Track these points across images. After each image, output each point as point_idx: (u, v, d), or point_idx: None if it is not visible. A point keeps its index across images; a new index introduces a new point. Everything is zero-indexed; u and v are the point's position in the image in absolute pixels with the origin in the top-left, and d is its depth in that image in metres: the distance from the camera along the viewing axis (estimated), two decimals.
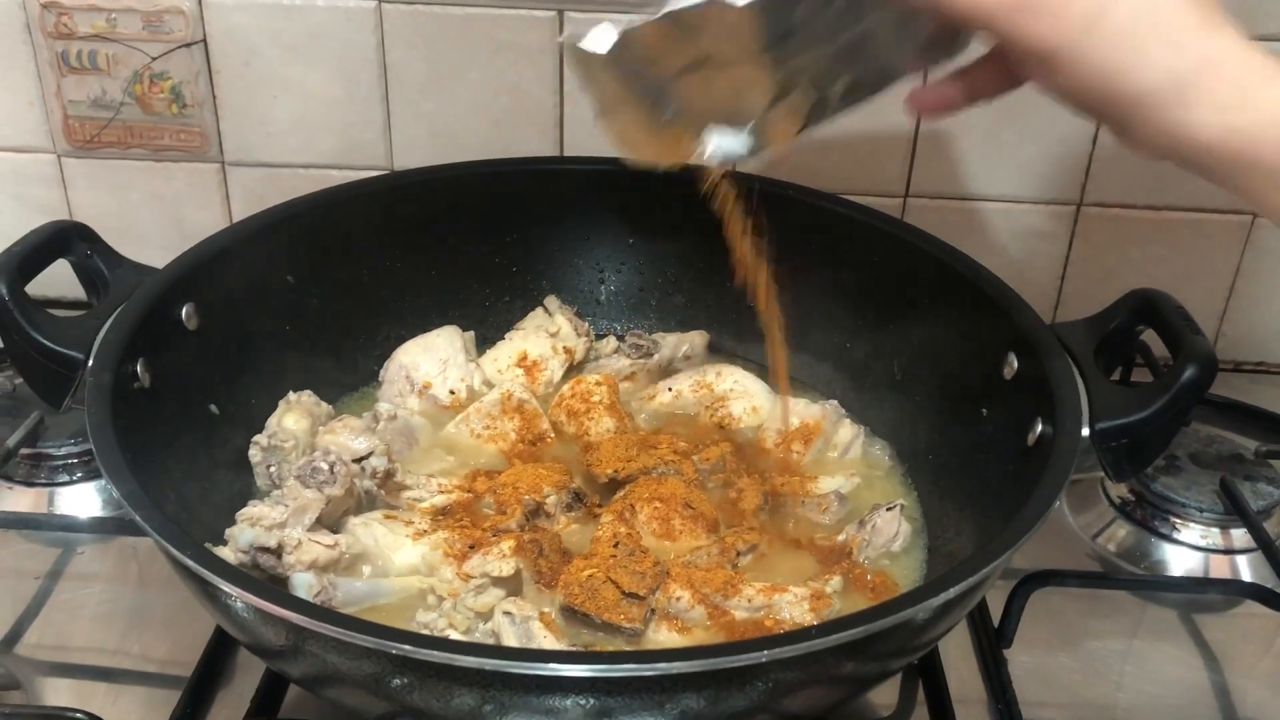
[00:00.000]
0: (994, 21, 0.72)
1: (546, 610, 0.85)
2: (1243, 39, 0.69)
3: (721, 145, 0.90)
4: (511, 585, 0.87)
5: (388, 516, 0.95)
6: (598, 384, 1.11)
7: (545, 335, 1.18)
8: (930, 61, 0.84)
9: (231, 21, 1.25)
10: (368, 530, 0.93)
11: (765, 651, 0.65)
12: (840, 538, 0.97)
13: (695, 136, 0.90)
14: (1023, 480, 0.83)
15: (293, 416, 1.02)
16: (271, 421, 1.02)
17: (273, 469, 0.99)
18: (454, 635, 0.81)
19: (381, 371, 1.14)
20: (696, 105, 0.87)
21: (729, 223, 0.98)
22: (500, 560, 0.86)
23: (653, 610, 0.86)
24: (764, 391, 1.13)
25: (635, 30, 0.82)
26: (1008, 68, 0.77)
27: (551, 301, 1.21)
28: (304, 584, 0.85)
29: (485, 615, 0.84)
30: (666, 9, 0.80)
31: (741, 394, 1.13)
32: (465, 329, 1.18)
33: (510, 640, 0.81)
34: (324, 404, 1.06)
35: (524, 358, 1.16)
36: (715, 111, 0.88)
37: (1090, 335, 0.94)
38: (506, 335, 1.20)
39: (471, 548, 0.90)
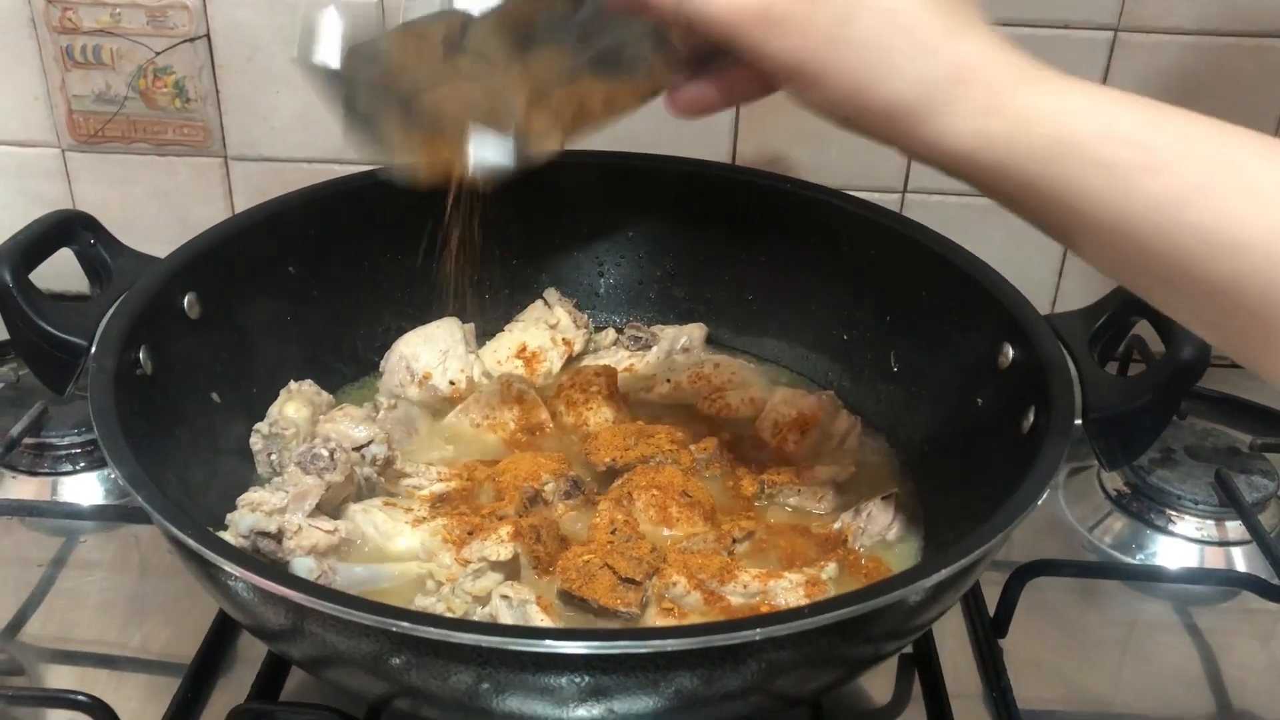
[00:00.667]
0: (737, 35, 0.68)
1: (543, 595, 0.86)
2: (998, 41, 0.67)
3: (484, 155, 0.85)
4: (509, 570, 0.87)
5: (387, 504, 0.96)
6: (596, 375, 1.12)
7: (544, 327, 1.19)
8: (698, 71, 0.79)
9: (235, 16, 1.26)
10: (367, 517, 0.93)
11: (759, 630, 0.66)
12: (836, 526, 0.98)
13: (456, 145, 0.85)
14: (1017, 468, 0.83)
15: (294, 405, 1.03)
16: (273, 410, 1.03)
17: (273, 456, 0.99)
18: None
19: (382, 362, 1.15)
20: (451, 114, 0.83)
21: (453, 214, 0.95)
22: (498, 545, 0.87)
23: (649, 595, 0.86)
24: (761, 383, 1.14)
25: (374, 42, 0.79)
26: (766, 77, 0.73)
27: (551, 294, 1.22)
28: (304, 569, 0.86)
29: (483, 599, 0.84)
30: (400, 19, 0.78)
31: (739, 385, 1.14)
32: (465, 321, 1.19)
33: (507, 622, 0.81)
34: (325, 393, 1.07)
35: (523, 349, 1.17)
36: (472, 119, 0.83)
37: (1084, 325, 0.95)
38: (506, 327, 1.21)
39: (470, 534, 0.91)
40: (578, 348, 1.19)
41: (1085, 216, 0.64)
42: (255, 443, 1.00)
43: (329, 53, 0.80)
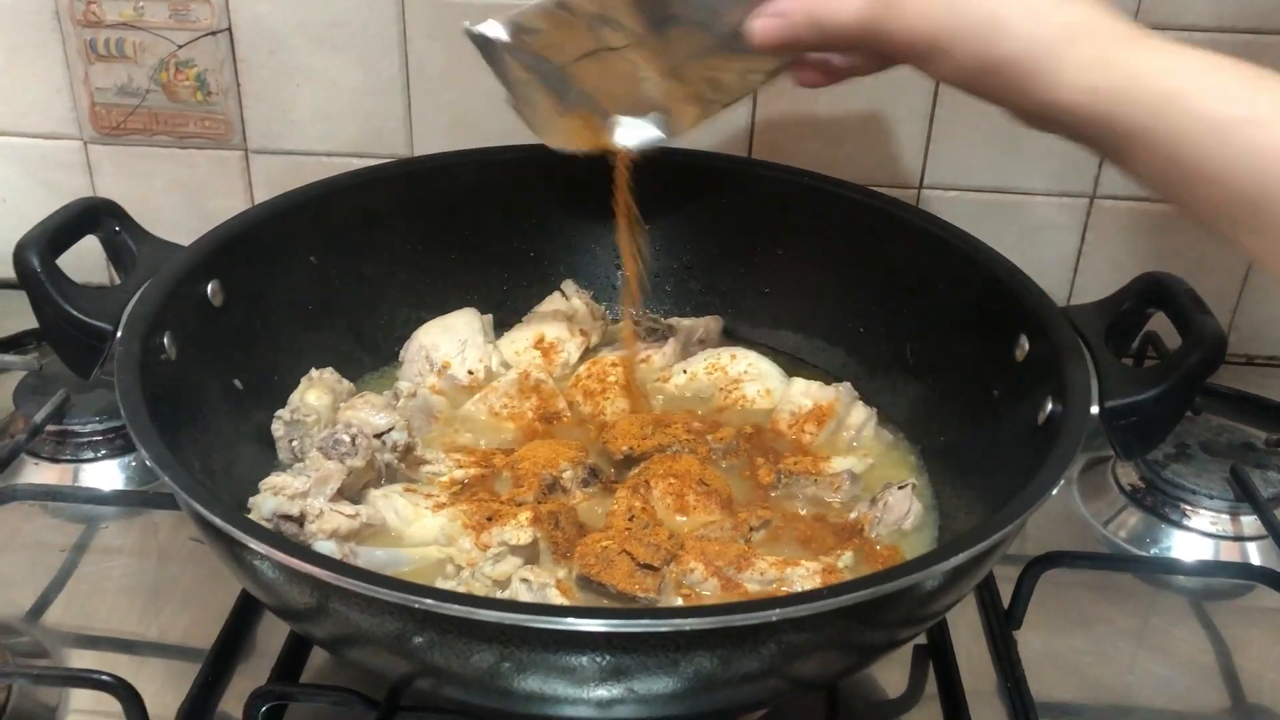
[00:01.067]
0: (869, 31, 0.77)
1: (562, 580, 0.86)
2: (1102, 6, 0.73)
3: (630, 130, 0.95)
4: (529, 554, 0.88)
5: (407, 489, 0.97)
6: (614, 365, 1.13)
7: (562, 318, 1.19)
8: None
9: (256, 10, 1.27)
10: (388, 502, 0.94)
11: (776, 610, 0.66)
12: (852, 515, 0.98)
13: (602, 122, 0.95)
14: (1033, 458, 0.84)
15: (315, 392, 1.04)
16: (294, 397, 1.04)
17: (295, 443, 1.00)
18: None
19: (402, 351, 1.16)
20: (597, 91, 0.92)
21: (620, 192, 1.03)
22: (518, 530, 0.87)
23: (666, 581, 0.87)
24: (777, 374, 1.15)
25: (525, 15, 0.87)
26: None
27: (569, 285, 1.22)
28: (325, 552, 0.87)
29: (503, 583, 0.85)
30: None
31: (755, 376, 1.14)
32: (483, 312, 1.20)
33: None
34: (345, 381, 1.08)
35: (541, 340, 1.18)
36: (616, 97, 0.93)
37: (1101, 317, 0.95)
38: (524, 318, 1.22)
39: (489, 519, 0.92)
40: (595, 339, 1.19)
41: (1187, 167, 0.69)
42: (277, 429, 1.01)
43: (494, 26, 0.90)
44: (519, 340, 1.18)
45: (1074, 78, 0.71)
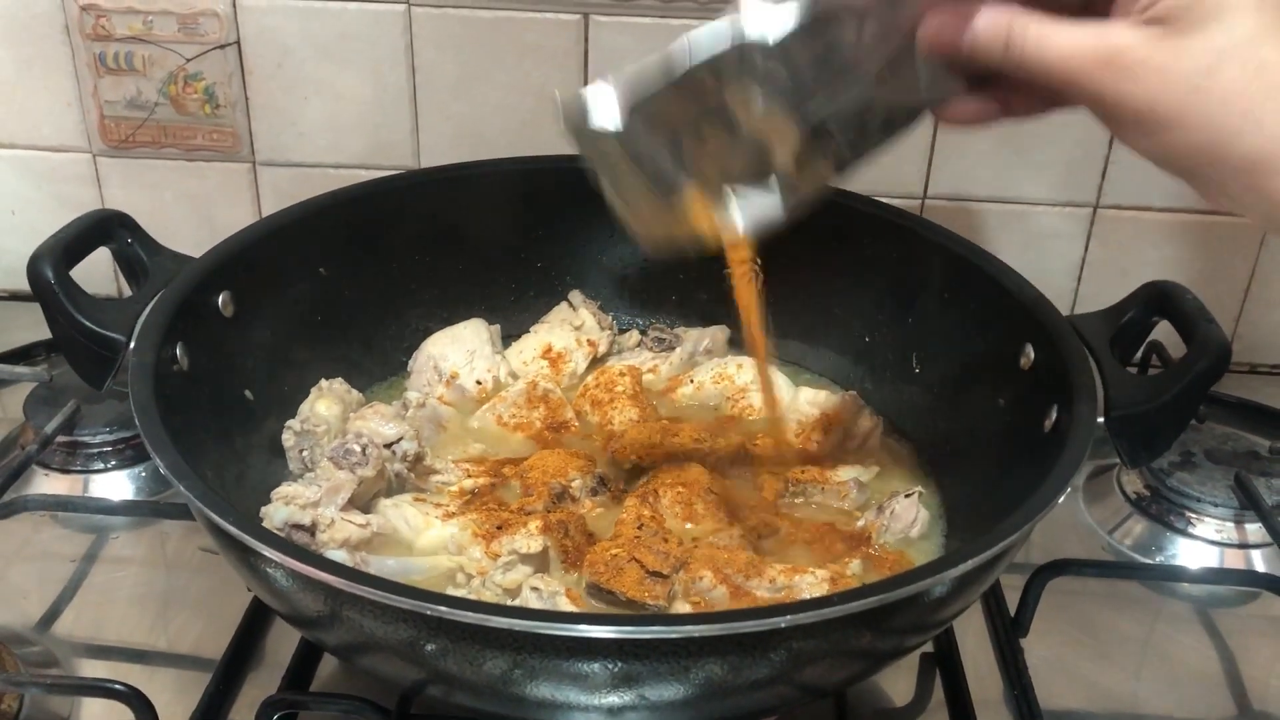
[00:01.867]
0: (1077, 81, 0.67)
1: (572, 588, 0.87)
2: None
3: (750, 209, 0.82)
4: (539, 563, 0.88)
5: (417, 499, 0.97)
6: (621, 374, 1.13)
7: (569, 328, 1.20)
8: (976, 85, 0.77)
9: (265, 23, 1.28)
10: (398, 511, 0.95)
11: (786, 617, 0.67)
12: (859, 523, 0.99)
13: (716, 200, 0.81)
14: (1039, 467, 0.84)
15: (325, 403, 1.04)
16: (304, 407, 1.05)
17: (305, 453, 1.01)
18: None
19: (410, 362, 1.16)
20: (712, 165, 0.79)
21: (741, 285, 0.91)
22: (528, 538, 0.88)
23: (675, 589, 0.88)
24: (783, 384, 1.15)
25: (649, 96, 0.74)
26: (1053, 95, 0.72)
27: (576, 296, 1.23)
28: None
29: (513, 592, 0.86)
30: (684, 66, 0.72)
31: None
32: (491, 322, 1.20)
33: None
34: (355, 391, 1.09)
35: (548, 350, 1.18)
36: (735, 169, 0.79)
37: (1106, 326, 0.95)
38: (531, 328, 1.22)
39: (499, 528, 0.92)
40: (602, 349, 1.20)
41: None
42: (287, 439, 1.02)
43: (605, 113, 0.75)
44: (526, 350, 1.19)
45: None
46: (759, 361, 1.00)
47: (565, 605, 0.83)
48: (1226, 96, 0.65)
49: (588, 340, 1.19)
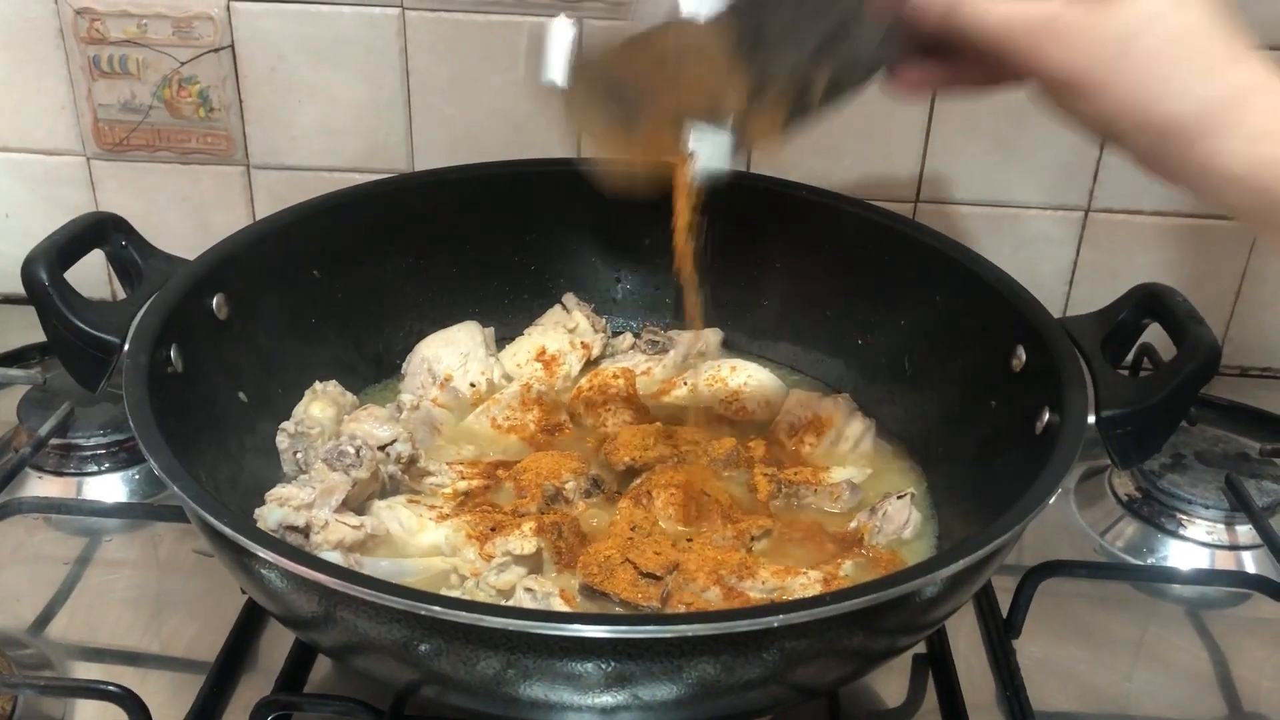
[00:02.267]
0: (1011, 46, 0.69)
1: (565, 590, 0.87)
2: (1275, 68, 0.67)
3: (705, 147, 0.87)
4: (532, 564, 0.89)
5: (411, 500, 0.98)
6: (615, 377, 1.14)
7: (563, 331, 1.21)
8: (925, 53, 0.80)
9: (259, 27, 1.28)
10: (392, 513, 0.95)
11: (778, 616, 0.67)
12: (852, 525, 0.99)
13: (676, 136, 0.87)
14: (1031, 467, 0.84)
15: (319, 405, 1.04)
16: (298, 410, 1.05)
17: (299, 455, 1.01)
18: None
19: (404, 364, 1.17)
20: (672, 108, 0.85)
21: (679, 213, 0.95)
22: (522, 540, 0.88)
23: (669, 590, 0.88)
24: (777, 386, 1.16)
25: (595, 56, 0.81)
26: (997, 66, 0.73)
27: (569, 299, 1.23)
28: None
29: (507, 593, 0.86)
30: (627, 33, 0.78)
31: (755, 388, 1.15)
32: (485, 325, 1.21)
33: None
34: (349, 394, 1.09)
35: (542, 352, 1.19)
36: (692, 113, 0.85)
37: (1097, 328, 0.96)
38: (525, 331, 1.23)
39: (493, 530, 0.92)
40: (596, 351, 1.21)
41: None
42: (281, 441, 1.02)
43: (556, 71, 0.81)
44: (520, 353, 1.20)
45: (1240, 147, 0.66)
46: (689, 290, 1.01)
47: (559, 606, 0.83)
48: (1147, 63, 0.67)
49: (581, 343, 1.20)
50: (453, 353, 1.15)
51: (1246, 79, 0.67)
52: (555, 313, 1.23)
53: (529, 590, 0.84)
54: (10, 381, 1.24)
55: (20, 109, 1.34)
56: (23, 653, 0.96)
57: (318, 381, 1.07)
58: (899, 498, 0.99)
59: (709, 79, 0.82)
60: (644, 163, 0.90)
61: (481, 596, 0.86)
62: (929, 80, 0.80)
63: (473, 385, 1.14)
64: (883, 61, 0.81)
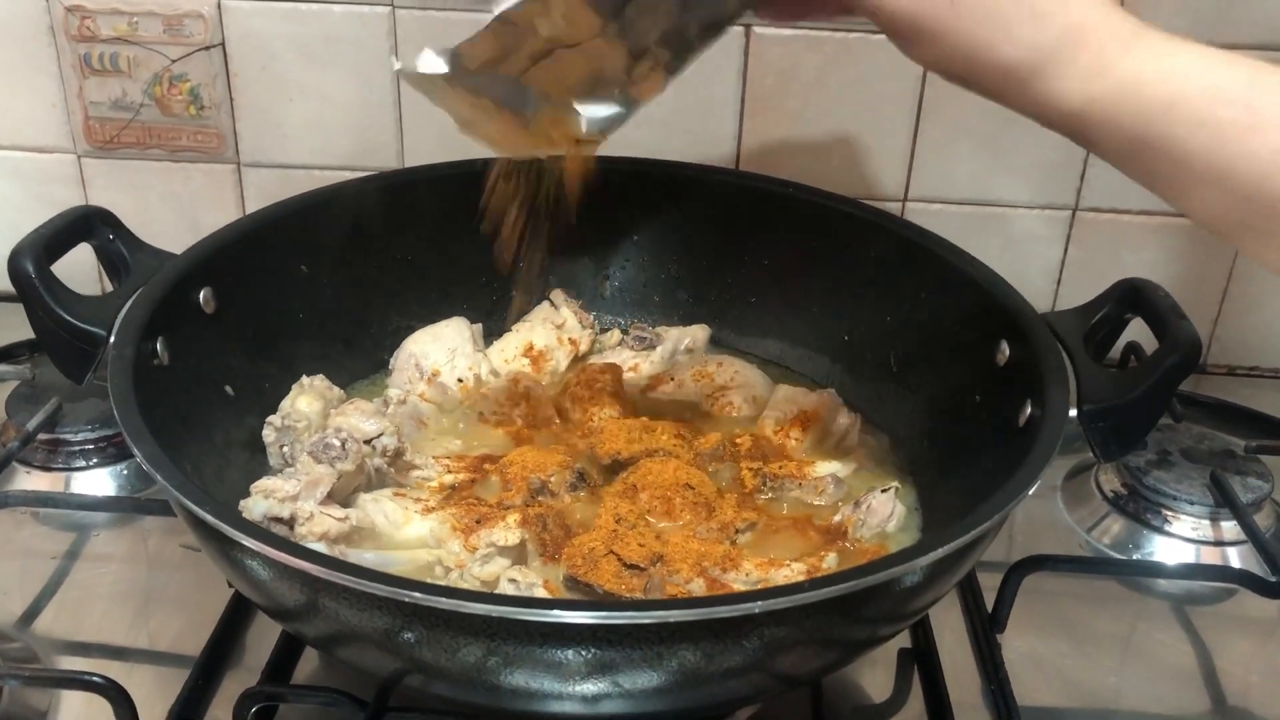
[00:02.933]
0: None
1: (550, 580, 0.87)
2: (1108, 4, 0.71)
3: (596, 116, 0.90)
4: (516, 555, 0.89)
5: (397, 494, 0.98)
6: (601, 372, 1.14)
7: (551, 327, 1.21)
8: None
9: (250, 25, 1.28)
10: (377, 505, 0.95)
11: (759, 603, 0.68)
12: (836, 518, 1.00)
13: (565, 117, 0.90)
14: (1013, 461, 0.85)
15: (306, 399, 1.05)
16: (285, 403, 1.05)
17: (285, 449, 1.01)
18: None
19: (392, 359, 1.17)
20: (556, 88, 0.88)
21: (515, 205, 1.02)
22: (506, 531, 0.88)
23: (653, 582, 0.88)
24: (763, 382, 1.16)
25: (467, 44, 0.83)
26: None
27: (557, 295, 1.24)
28: None
29: (491, 584, 0.86)
30: (491, 16, 0.81)
31: (742, 384, 1.15)
32: (473, 321, 1.21)
33: None
34: (336, 388, 1.09)
35: (530, 348, 1.19)
36: (577, 89, 0.89)
37: (1080, 323, 0.96)
38: (513, 327, 1.23)
39: (478, 522, 0.93)
40: (584, 347, 1.21)
41: (1190, 172, 0.69)
42: (268, 435, 1.02)
43: (431, 61, 0.85)
44: (508, 348, 1.20)
45: (1073, 85, 0.70)
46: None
47: (542, 595, 0.83)
48: (980, 10, 0.70)
49: (569, 339, 1.20)
50: (440, 348, 1.15)
51: (1079, 19, 0.70)
52: (543, 309, 1.24)
53: (513, 581, 0.84)
54: None
55: (10, 106, 1.35)
56: (9, 646, 0.96)
57: (305, 376, 1.08)
58: (883, 492, 0.99)
59: (584, 57, 0.85)
60: (540, 146, 0.94)
61: (466, 587, 0.86)
62: (789, 12, 0.86)
63: (460, 380, 1.14)
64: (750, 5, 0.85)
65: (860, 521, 0.98)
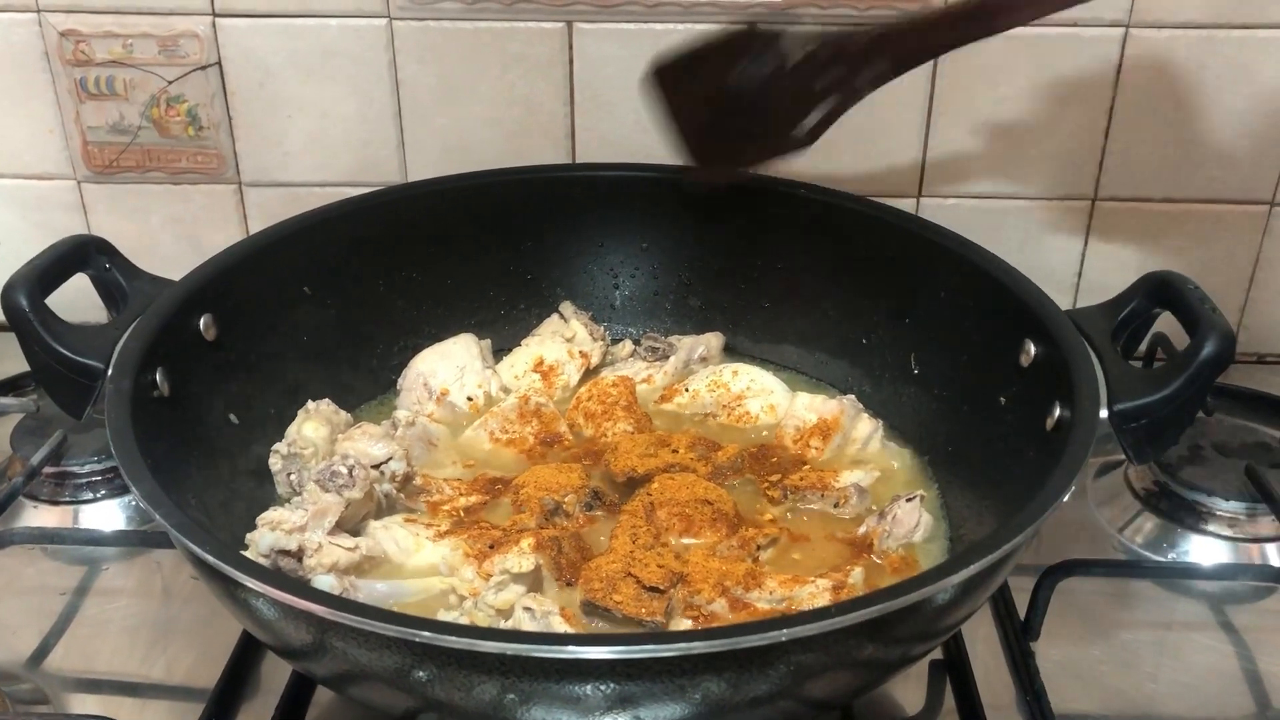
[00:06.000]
0: None
1: (567, 606, 0.85)
2: None
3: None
4: (531, 581, 0.87)
5: (408, 520, 0.96)
6: (614, 386, 1.12)
7: (561, 341, 1.19)
8: None
9: (246, 43, 1.27)
10: (388, 533, 0.93)
11: (785, 630, 0.65)
12: (861, 530, 0.97)
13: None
14: (1043, 465, 0.83)
15: (312, 425, 1.03)
16: (291, 430, 1.03)
17: (293, 476, 0.99)
18: None
19: (400, 379, 1.15)
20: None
21: None
22: (520, 557, 0.86)
23: (674, 604, 0.86)
24: (781, 389, 1.14)
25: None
26: None
27: (566, 307, 1.22)
28: (325, 586, 0.86)
29: (506, 612, 0.84)
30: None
31: (758, 392, 1.13)
32: (481, 337, 1.19)
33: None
34: (343, 412, 1.07)
35: (540, 363, 1.17)
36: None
37: (1107, 319, 0.94)
38: (523, 342, 1.21)
39: (491, 547, 0.91)
40: (595, 360, 1.19)
41: None
42: (274, 463, 1.00)
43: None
44: (518, 364, 1.18)
45: None
46: None
47: (559, 624, 0.81)
48: None
49: (580, 352, 1.18)
50: (449, 366, 1.14)
51: None
52: (553, 322, 1.22)
53: (528, 609, 0.82)
54: (3, 410, 1.23)
55: (8, 134, 1.33)
56: (19, 688, 0.95)
57: (310, 401, 1.06)
58: (908, 500, 0.97)
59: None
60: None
61: (480, 616, 0.84)
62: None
63: (470, 399, 1.12)
64: None
65: (886, 533, 0.95)
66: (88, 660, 0.98)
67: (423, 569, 0.92)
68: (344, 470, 0.93)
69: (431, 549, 0.93)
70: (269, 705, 0.91)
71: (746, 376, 1.14)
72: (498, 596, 0.84)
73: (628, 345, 1.22)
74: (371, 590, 0.88)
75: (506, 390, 1.15)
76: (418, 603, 0.89)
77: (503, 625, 0.84)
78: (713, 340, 1.20)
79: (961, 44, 0.92)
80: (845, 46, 0.92)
